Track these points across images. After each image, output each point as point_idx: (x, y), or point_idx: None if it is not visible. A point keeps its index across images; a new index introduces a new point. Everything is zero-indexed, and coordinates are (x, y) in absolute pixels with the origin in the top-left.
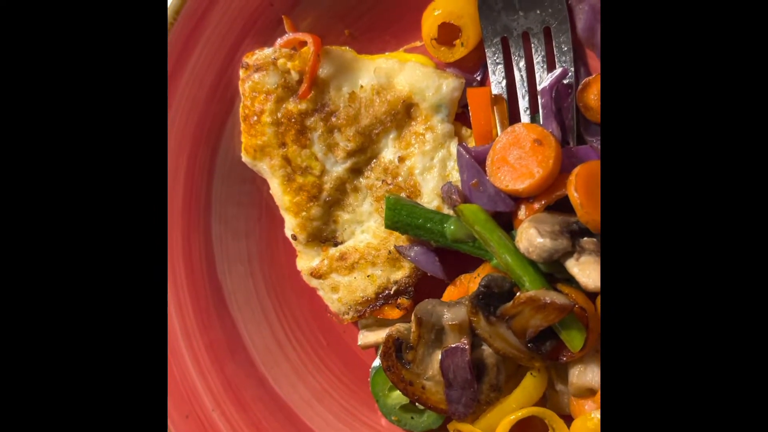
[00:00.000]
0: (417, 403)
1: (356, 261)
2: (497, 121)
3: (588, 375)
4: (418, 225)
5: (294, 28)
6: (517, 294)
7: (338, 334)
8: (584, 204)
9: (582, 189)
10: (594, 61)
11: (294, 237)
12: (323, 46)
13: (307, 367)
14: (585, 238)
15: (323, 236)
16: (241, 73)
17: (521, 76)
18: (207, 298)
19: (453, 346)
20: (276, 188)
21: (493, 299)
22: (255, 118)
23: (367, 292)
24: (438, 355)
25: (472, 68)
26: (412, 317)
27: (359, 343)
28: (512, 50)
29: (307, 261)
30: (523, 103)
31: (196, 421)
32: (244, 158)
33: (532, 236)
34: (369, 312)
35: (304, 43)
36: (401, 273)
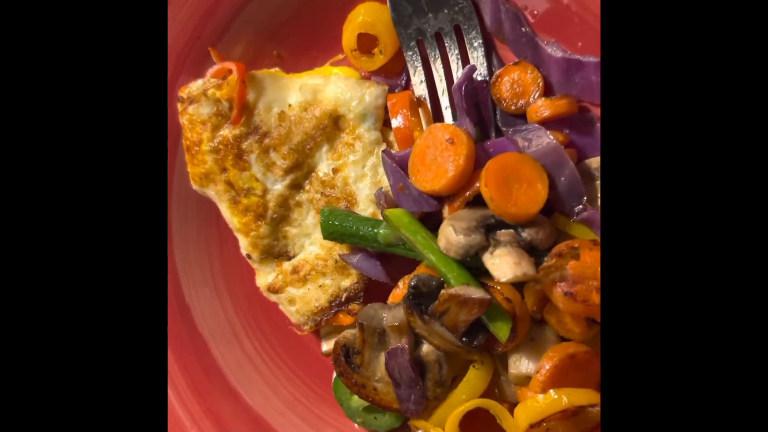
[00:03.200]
0: (373, 405)
1: (308, 273)
2: (423, 122)
3: (523, 363)
4: (352, 233)
5: (221, 58)
6: (441, 292)
7: (304, 344)
8: (494, 197)
9: (492, 183)
10: (506, 53)
11: (249, 256)
12: (249, 72)
13: (278, 378)
14: (502, 231)
15: (275, 252)
16: (179, 106)
17: (439, 75)
18: (178, 322)
19: (393, 347)
20: (225, 211)
21: (423, 298)
22: (196, 148)
23: (321, 301)
24: (383, 357)
25: (396, 74)
26: (356, 323)
27: (322, 350)
28: (428, 51)
29: (264, 277)
30: (443, 101)
31: None
32: (194, 187)
33: (449, 234)
34: (325, 321)
35: (231, 71)
36: (349, 280)
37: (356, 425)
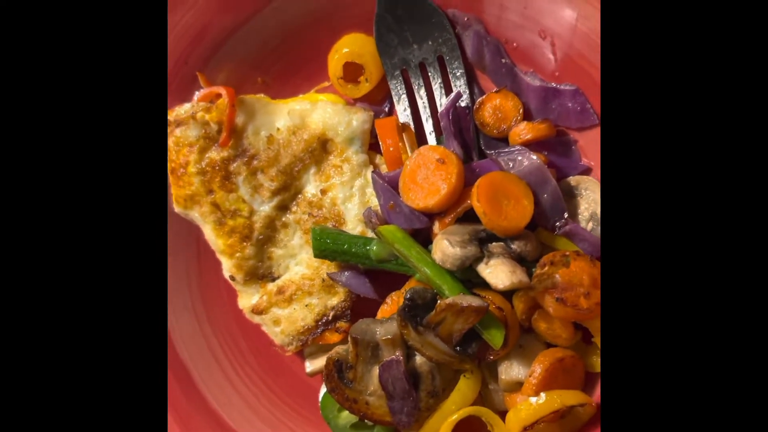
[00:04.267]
0: (365, 420)
1: (294, 293)
2: (407, 146)
3: (514, 369)
4: (343, 251)
5: (209, 82)
6: (438, 302)
7: (286, 365)
8: (487, 212)
9: (484, 198)
10: (486, 82)
11: (232, 278)
12: (238, 96)
13: (260, 400)
14: (493, 243)
15: (260, 273)
16: None
17: (423, 103)
18: None
19: (388, 359)
20: (209, 233)
21: (418, 310)
22: (182, 170)
23: (307, 320)
24: (376, 371)
25: (380, 101)
26: (349, 338)
27: (307, 371)
28: (412, 80)
29: (247, 299)
30: (427, 127)
31: None
32: (177, 209)
33: (445, 247)
34: (311, 340)
35: (219, 95)
36: (337, 298)
37: None
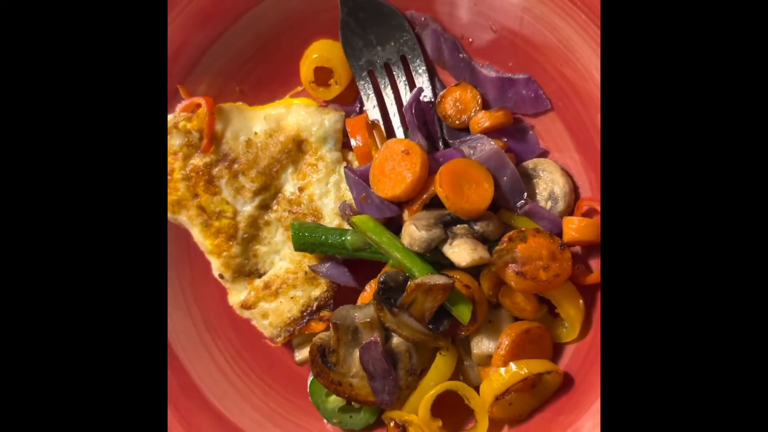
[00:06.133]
0: (350, 401)
1: (279, 287)
2: (377, 141)
3: (484, 343)
4: (321, 242)
5: (189, 94)
6: (408, 283)
7: (277, 356)
8: (450, 196)
9: (446, 184)
10: (446, 77)
11: (221, 276)
12: (217, 105)
13: (253, 391)
14: (457, 226)
15: (247, 270)
16: None
17: (390, 100)
18: None
19: (367, 341)
20: (197, 235)
21: (392, 293)
22: (168, 177)
23: (293, 312)
24: (357, 353)
25: (350, 101)
26: (330, 323)
27: (296, 360)
28: (379, 80)
29: (236, 296)
30: (395, 122)
31: None
32: None
33: (412, 231)
34: (298, 330)
35: (199, 105)
36: (319, 290)
37: (330, 429)
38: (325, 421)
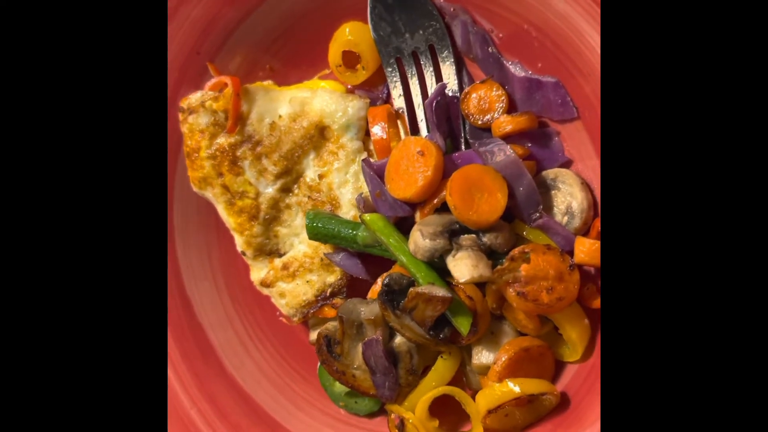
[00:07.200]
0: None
1: (296, 269)
2: (401, 132)
3: (484, 355)
4: (334, 234)
5: (218, 72)
6: (410, 290)
7: (294, 333)
8: (458, 206)
9: (456, 192)
10: (475, 70)
11: (243, 253)
12: (244, 85)
13: (269, 364)
14: (464, 236)
15: (267, 250)
16: (180, 116)
17: (416, 90)
18: (179, 312)
19: (369, 338)
20: (222, 212)
21: (395, 295)
22: (195, 154)
23: (308, 295)
24: (361, 347)
25: (377, 87)
26: (337, 316)
27: (310, 339)
28: (406, 68)
29: (257, 273)
30: (419, 114)
31: (177, 420)
32: (195, 189)
33: (417, 238)
34: (312, 313)
35: (227, 85)
36: (334, 277)
37: (339, 408)
38: None
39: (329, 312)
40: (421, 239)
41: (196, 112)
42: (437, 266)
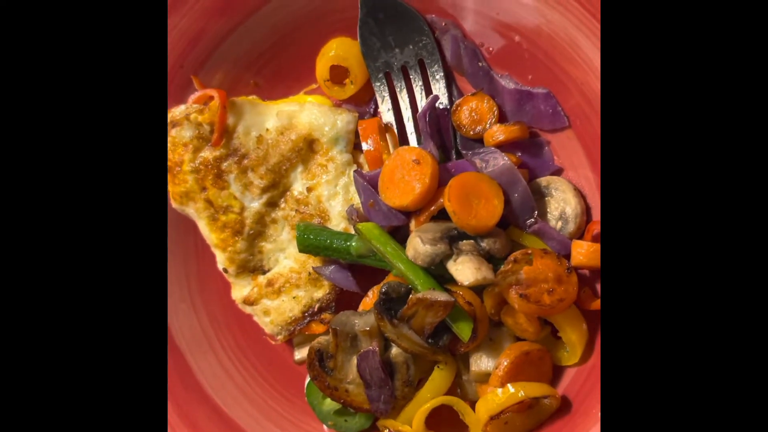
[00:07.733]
0: (346, 406)
1: (282, 285)
2: (390, 146)
3: (484, 361)
4: (326, 246)
5: (203, 85)
6: (410, 296)
7: (277, 353)
8: (457, 211)
9: (455, 198)
10: (464, 84)
11: (225, 270)
12: (229, 98)
13: (251, 386)
14: (463, 241)
15: (251, 266)
16: None
17: (405, 104)
18: None
19: (365, 350)
20: (204, 228)
21: (393, 304)
22: (177, 168)
23: (295, 312)
24: (355, 360)
25: (365, 102)
26: (330, 329)
27: (295, 359)
28: (395, 83)
29: (239, 291)
30: (409, 127)
31: None
32: (174, 205)
33: (417, 244)
34: (298, 330)
35: (212, 98)
36: (322, 291)
37: (327, 428)
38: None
39: (317, 328)
40: (422, 245)
41: (179, 125)
42: (433, 273)
